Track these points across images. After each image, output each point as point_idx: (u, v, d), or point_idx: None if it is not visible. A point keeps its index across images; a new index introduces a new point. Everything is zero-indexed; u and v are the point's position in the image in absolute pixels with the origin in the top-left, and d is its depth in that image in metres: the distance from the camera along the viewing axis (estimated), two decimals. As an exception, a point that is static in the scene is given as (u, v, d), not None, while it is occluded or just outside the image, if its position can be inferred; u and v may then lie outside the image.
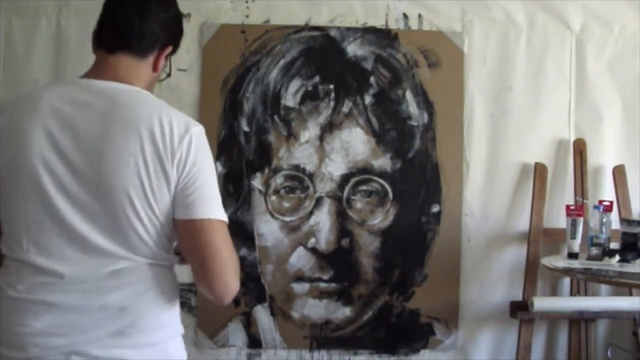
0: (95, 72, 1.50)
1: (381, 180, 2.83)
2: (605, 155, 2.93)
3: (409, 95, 2.85)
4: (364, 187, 2.83)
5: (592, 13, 2.91)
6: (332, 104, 2.81)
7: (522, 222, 2.88)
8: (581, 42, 2.92)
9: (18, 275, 1.44)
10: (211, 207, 1.45)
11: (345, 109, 2.82)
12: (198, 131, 1.50)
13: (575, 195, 2.87)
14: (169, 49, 1.55)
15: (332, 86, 2.82)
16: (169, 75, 1.69)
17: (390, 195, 2.84)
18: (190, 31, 2.80)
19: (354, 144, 2.82)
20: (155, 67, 1.54)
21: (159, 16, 1.51)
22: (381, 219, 2.84)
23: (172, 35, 1.55)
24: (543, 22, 2.90)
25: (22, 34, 2.77)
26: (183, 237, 1.46)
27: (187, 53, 2.80)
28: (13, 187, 1.42)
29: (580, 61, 2.92)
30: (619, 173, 2.88)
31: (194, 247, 1.46)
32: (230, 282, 1.48)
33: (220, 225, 1.46)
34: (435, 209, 2.87)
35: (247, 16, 2.82)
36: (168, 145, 1.42)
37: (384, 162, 2.84)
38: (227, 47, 2.80)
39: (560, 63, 2.91)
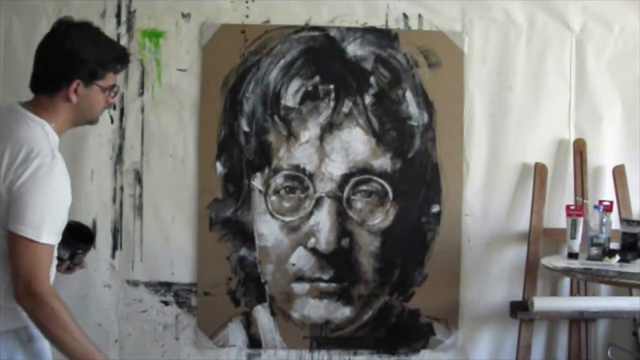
0: (31, 107, 1.84)
1: (381, 180, 2.83)
2: (605, 155, 2.93)
3: (409, 95, 2.85)
4: (364, 187, 2.83)
5: (592, 13, 2.91)
6: (332, 104, 2.81)
7: (522, 222, 2.88)
8: (581, 42, 2.92)
9: None
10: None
11: (345, 109, 2.82)
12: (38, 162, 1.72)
13: (575, 195, 2.87)
14: (75, 83, 1.80)
15: (332, 86, 2.82)
16: (116, 94, 1.96)
17: (390, 195, 2.84)
18: (190, 31, 2.80)
19: (354, 144, 2.82)
20: (67, 99, 1.81)
21: (48, 61, 1.82)
22: (381, 219, 2.84)
23: (70, 73, 1.80)
24: (543, 22, 2.90)
25: (22, 34, 2.77)
26: None
27: (187, 53, 2.81)
28: None
29: (580, 61, 2.92)
30: (619, 173, 2.88)
31: None
32: None
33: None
34: (435, 209, 2.87)
35: (247, 16, 2.82)
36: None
37: (384, 162, 2.84)
38: (227, 47, 2.80)
39: (560, 63, 2.91)
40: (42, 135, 1.77)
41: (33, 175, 1.69)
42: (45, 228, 1.69)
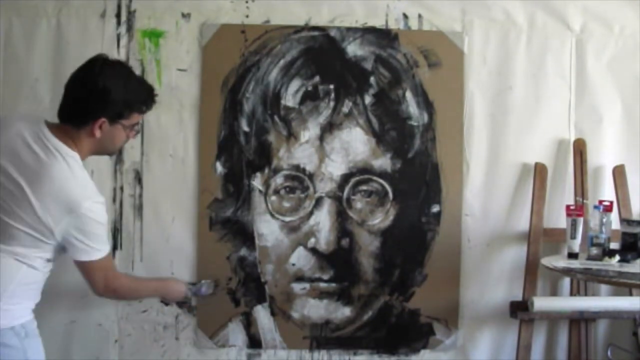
0: (58, 133, 2.00)
1: (381, 180, 2.83)
2: (605, 155, 2.93)
3: (409, 95, 2.85)
4: (364, 187, 2.83)
5: (592, 13, 2.91)
6: (332, 104, 2.81)
7: (522, 222, 2.88)
8: (581, 42, 2.92)
9: None
10: None
11: (345, 109, 2.82)
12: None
13: (575, 195, 2.87)
14: (100, 121, 1.95)
15: (332, 86, 2.82)
16: (137, 132, 2.18)
17: (390, 195, 2.84)
18: (190, 31, 2.80)
19: (354, 144, 2.82)
20: (91, 134, 1.97)
21: (79, 96, 1.95)
22: (381, 219, 2.84)
23: (97, 111, 1.94)
24: (543, 22, 2.90)
25: (22, 34, 2.77)
26: None
27: (187, 53, 2.81)
28: None
29: (580, 61, 2.92)
30: (619, 173, 2.88)
31: None
32: None
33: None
34: (435, 209, 2.87)
35: (247, 16, 2.82)
36: None
37: (384, 162, 2.84)
38: (227, 47, 2.80)
39: (560, 63, 2.91)
40: (78, 180, 1.99)
41: (83, 223, 2.01)
42: (102, 246, 2.10)
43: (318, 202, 2.81)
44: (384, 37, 2.84)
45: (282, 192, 2.82)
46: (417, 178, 2.85)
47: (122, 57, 2.77)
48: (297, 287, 2.83)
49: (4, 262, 1.96)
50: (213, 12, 2.81)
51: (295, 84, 2.81)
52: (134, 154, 2.81)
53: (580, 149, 2.89)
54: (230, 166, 2.82)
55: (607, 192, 2.89)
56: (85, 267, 2.09)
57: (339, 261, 2.82)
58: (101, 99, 1.93)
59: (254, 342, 2.84)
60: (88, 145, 2.00)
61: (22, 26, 2.77)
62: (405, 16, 2.86)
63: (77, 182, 1.97)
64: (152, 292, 2.53)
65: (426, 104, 2.85)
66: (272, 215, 2.82)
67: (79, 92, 1.95)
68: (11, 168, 1.96)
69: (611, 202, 2.69)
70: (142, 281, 2.52)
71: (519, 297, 2.83)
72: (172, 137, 2.82)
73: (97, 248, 2.06)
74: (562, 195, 2.90)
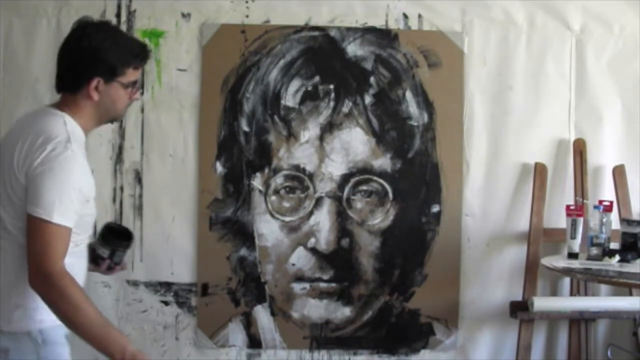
0: (53, 104, 1.88)
1: (381, 180, 2.83)
2: (605, 155, 2.93)
3: (409, 95, 2.85)
4: (364, 187, 2.83)
5: (592, 13, 2.91)
6: (332, 104, 2.81)
7: (522, 222, 2.88)
8: (581, 42, 2.92)
9: None
10: None
11: (345, 109, 2.82)
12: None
13: (575, 195, 2.87)
14: (95, 81, 1.82)
15: (332, 86, 2.82)
16: (142, 93, 2.08)
17: (390, 195, 2.84)
18: (190, 31, 2.80)
19: (354, 144, 2.82)
20: (89, 97, 1.83)
21: (68, 60, 1.85)
22: (381, 219, 2.84)
23: (88, 71, 1.83)
24: (543, 22, 2.90)
25: (22, 34, 2.77)
26: None
27: (187, 53, 2.81)
28: None
29: (580, 61, 2.92)
30: (619, 173, 2.88)
31: None
32: None
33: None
34: (435, 209, 2.87)
35: (247, 16, 2.82)
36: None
37: (384, 162, 2.84)
38: (227, 47, 2.80)
39: (560, 63, 2.91)
40: (59, 124, 1.79)
41: (46, 158, 1.70)
42: (57, 209, 1.67)
43: (318, 202, 2.81)
44: (384, 37, 2.84)
45: (282, 192, 2.82)
46: (417, 178, 2.85)
47: (122, 57, 2.78)
48: (297, 287, 2.83)
49: (5, 247, 1.75)
50: (213, 12, 2.81)
51: (295, 84, 2.81)
52: (134, 154, 2.81)
53: (580, 149, 2.89)
54: (230, 166, 2.82)
55: (607, 192, 2.89)
56: (31, 227, 1.68)
57: (339, 261, 2.82)
58: (91, 57, 1.83)
59: (254, 342, 2.84)
60: (89, 111, 1.86)
61: (22, 26, 2.77)
62: (405, 16, 2.86)
63: (53, 123, 1.78)
64: (94, 330, 1.74)
65: (426, 104, 2.85)
66: (272, 215, 2.82)
67: (69, 57, 1.85)
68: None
69: (611, 202, 2.69)
70: (91, 306, 1.71)
71: (519, 297, 2.83)
72: (172, 137, 2.82)
73: (53, 206, 1.67)
74: (562, 195, 2.90)
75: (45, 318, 1.73)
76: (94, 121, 1.88)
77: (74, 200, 1.72)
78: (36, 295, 1.68)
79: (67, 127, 1.78)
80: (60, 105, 1.85)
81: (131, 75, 1.88)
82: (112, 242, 1.93)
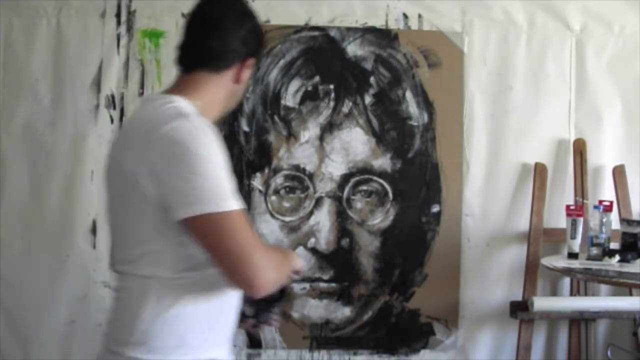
0: (169, 88, 1.55)
1: (381, 180, 2.83)
2: (605, 155, 2.93)
3: (409, 95, 2.85)
4: (364, 187, 2.83)
5: (592, 13, 2.91)
6: (332, 104, 2.81)
7: (522, 222, 2.88)
8: (581, 42, 2.92)
9: None
10: None
11: (345, 109, 2.82)
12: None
13: (575, 195, 2.87)
14: (251, 61, 1.54)
15: (332, 86, 2.82)
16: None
17: (390, 195, 2.84)
18: (190, 31, 2.80)
19: (354, 144, 2.82)
20: (237, 79, 1.53)
21: (234, 33, 1.51)
22: (381, 219, 2.84)
23: (250, 49, 1.54)
24: (543, 22, 2.90)
25: (22, 34, 2.77)
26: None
27: (187, 53, 2.80)
28: None
29: (580, 61, 2.92)
30: (619, 173, 2.88)
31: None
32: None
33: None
34: (435, 209, 2.87)
35: (247, 16, 2.82)
36: None
37: (384, 162, 2.84)
38: (227, 47, 2.80)
39: (560, 63, 2.91)
40: (169, 106, 1.43)
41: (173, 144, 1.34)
42: (225, 192, 1.40)
43: (318, 202, 2.81)
44: (384, 37, 2.84)
45: (282, 192, 2.82)
46: (417, 178, 2.85)
47: (122, 57, 2.78)
48: (297, 287, 2.83)
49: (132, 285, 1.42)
50: (213, 12, 2.81)
51: (295, 84, 2.81)
52: (134, 154, 2.80)
53: (580, 149, 2.89)
54: (230, 166, 2.81)
55: (607, 192, 2.89)
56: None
57: (339, 261, 2.82)
58: (257, 35, 1.54)
59: (254, 342, 2.84)
60: (221, 98, 1.53)
61: (22, 26, 2.77)
62: (405, 16, 2.86)
63: (162, 111, 1.41)
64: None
65: (426, 104, 2.85)
66: (272, 215, 2.82)
67: (232, 26, 1.49)
68: None
69: (611, 202, 2.68)
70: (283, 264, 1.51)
71: (519, 297, 2.83)
72: (172, 137, 2.81)
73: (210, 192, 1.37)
74: (562, 195, 2.90)
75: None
76: (217, 112, 1.55)
77: (228, 177, 1.50)
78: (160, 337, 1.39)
79: (179, 104, 1.45)
80: (177, 90, 1.51)
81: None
82: (258, 301, 1.51)
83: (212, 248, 1.33)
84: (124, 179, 1.40)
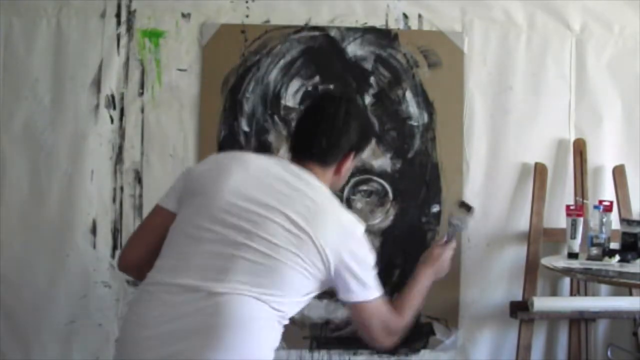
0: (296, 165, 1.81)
1: (381, 180, 2.83)
2: (605, 155, 2.93)
3: (409, 95, 2.85)
4: (364, 187, 2.83)
5: (592, 13, 2.91)
6: (332, 104, 2.81)
7: (522, 222, 2.88)
8: (581, 42, 2.92)
9: None
10: None
11: (345, 109, 2.81)
12: None
13: (575, 195, 2.87)
14: (352, 155, 1.82)
15: (332, 86, 2.82)
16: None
17: (390, 195, 2.84)
18: (190, 31, 2.80)
19: (354, 144, 2.81)
20: (338, 171, 1.82)
21: (350, 135, 1.78)
22: (381, 219, 2.84)
23: (358, 145, 1.82)
24: (543, 22, 2.90)
25: (22, 34, 2.77)
26: None
27: (187, 53, 2.80)
28: None
29: (580, 61, 2.92)
30: (619, 173, 2.88)
31: None
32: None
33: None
34: (435, 209, 2.87)
35: (247, 16, 2.82)
36: None
37: (384, 162, 2.84)
38: (227, 47, 2.80)
39: (560, 63, 2.91)
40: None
41: None
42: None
43: (318, 202, 2.80)
44: (384, 37, 2.84)
45: (282, 192, 2.81)
46: (417, 178, 2.85)
47: (122, 57, 2.78)
48: (297, 287, 2.82)
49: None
50: (213, 12, 2.81)
51: (295, 84, 2.81)
52: (134, 154, 2.81)
53: (580, 149, 2.89)
54: (230, 166, 2.81)
55: (607, 192, 2.89)
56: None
57: (339, 261, 2.81)
58: (364, 133, 1.84)
59: (254, 342, 2.83)
60: (328, 183, 1.84)
61: (22, 26, 2.77)
62: (405, 16, 2.86)
63: (342, 209, 1.81)
64: (423, 294, 2.16)
65: (426, 104, 2.85)
66: (272, 215, 2.81)
67: (347, 129, 1.77)
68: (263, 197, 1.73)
69: (611, 202, 2.69)
70: (407, 298, 2.14)
71: (519, 297, 2.83)
72: (172, 137, 2.82)
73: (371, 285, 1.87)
74: (562, 195, 2.90)
75: None
76: None
77: None
78: None
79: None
80: (308, 172, 1.80)
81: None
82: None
83: None
84: None
